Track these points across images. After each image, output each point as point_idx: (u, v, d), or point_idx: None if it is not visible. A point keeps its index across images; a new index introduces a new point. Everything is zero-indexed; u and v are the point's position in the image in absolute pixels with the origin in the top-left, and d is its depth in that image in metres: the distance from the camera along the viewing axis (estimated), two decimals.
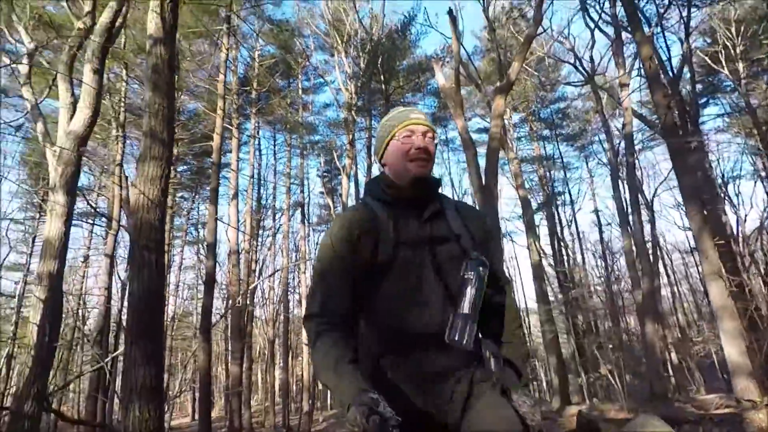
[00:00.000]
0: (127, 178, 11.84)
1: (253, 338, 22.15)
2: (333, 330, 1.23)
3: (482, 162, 6.97)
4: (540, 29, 7.55)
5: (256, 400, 28.48)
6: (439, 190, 1.41)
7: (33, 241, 20.52)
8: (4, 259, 17.59)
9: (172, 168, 7.39)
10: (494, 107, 6.64)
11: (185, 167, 20.93)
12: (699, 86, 16.26)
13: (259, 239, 20.33)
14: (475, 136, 21.21)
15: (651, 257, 14.26)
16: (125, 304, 13.94)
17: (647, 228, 15.86)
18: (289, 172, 20.64)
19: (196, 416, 18.73)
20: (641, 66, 10.05)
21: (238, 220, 14.93)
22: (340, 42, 15.06)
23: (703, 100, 16.47)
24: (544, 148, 20.51)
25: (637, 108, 14.35)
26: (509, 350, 1.33)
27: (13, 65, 7.20)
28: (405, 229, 1.29)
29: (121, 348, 10.02)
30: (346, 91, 14.26)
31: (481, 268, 1.22)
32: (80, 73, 7.94)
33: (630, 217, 10.25)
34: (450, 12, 7.30)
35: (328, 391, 1.58)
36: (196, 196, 23.60)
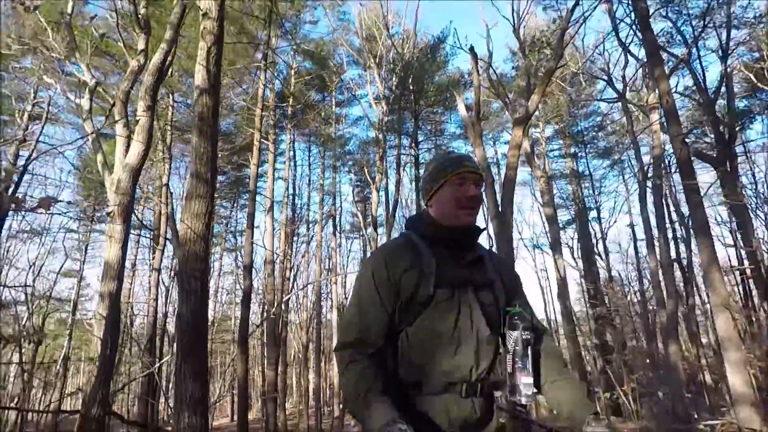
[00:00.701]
0: (171, 194, 12.65)
1: (287, 342, 22.98)
2: (364, 359, 1.25)
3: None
4: (563, 61, 7.77)
5: (291, 403, 29.30)
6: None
7: (86, 249, 22.07)
8: (62, 267, 19.11)
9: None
10: (512, 138, 6.93)
11: (224, 177, 22.00)
12: (745, 102, 15.83)
13: (294, 246, 21.05)
14: (506, 149, 21.38)
15: (685, 276, 14.06)
16: (168, 309, 14.95)
17: (683, 246, 15.68)
18: (322, 183, 21.38)
19: (235, 417, 19.67)
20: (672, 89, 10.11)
21: (273, 231, 15.68)
22: (372, 60, 15.62)
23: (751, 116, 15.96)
24: (577, 163, 20.39)
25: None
26: (567, 387, 1.34)
27: (76, 101, 8.05)
28: (446, 270, 1.30)
29: (167, 356, 10.81)
30: (377, 105, 14.79)
31: (525, 325, 1.26)
32: (134, 103, 8.75)
33: (656, 240, 10.24)
34: (471, 49, 7.65)
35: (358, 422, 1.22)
36: (235, 205, 24.74)
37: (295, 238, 20.96)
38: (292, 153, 20.33)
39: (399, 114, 14.19)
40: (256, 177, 11.81)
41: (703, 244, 6.18)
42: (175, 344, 11.56)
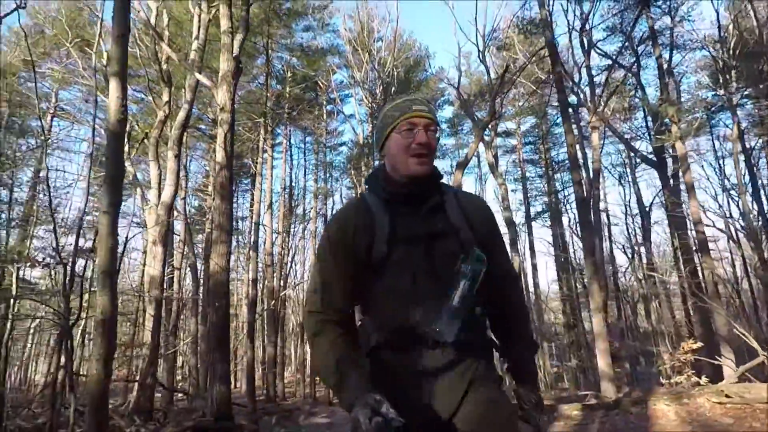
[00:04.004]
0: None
1: (287, 316, 25.48)
2: (333, 327, 1.25)
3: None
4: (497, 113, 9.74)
5: (290, 372, 32.12)
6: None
7: (96, 233, 24.29)
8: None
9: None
10: (454, 179, 9.01)
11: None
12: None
13: (292, 228, 23.07)
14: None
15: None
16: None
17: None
18: (316, 177, 23.52)
19: (237, 384, 22.43)
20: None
21: (272, 225, 17.85)
22: (357, 72, 17.49)
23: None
24: (549, 159, 22.55)
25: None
26: (520, 347, 1.36)
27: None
28: (402, 225, 1.26)
29: (188, 338, 13.20)
30: (360, 124, 16.80)
31: (478, 264, 1.21)
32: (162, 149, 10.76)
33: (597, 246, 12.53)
34: None
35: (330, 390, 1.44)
36: (236, 190, 26.90)
37: (293, 221, 23.05)
38: (289, 152, 22.37)
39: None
40: (259, 213, 13.87)
41: (588, 263, 8.43)
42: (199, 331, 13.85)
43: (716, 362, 8.14)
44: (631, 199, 21.87)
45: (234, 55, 7.55)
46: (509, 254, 1.50)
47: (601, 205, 17.79)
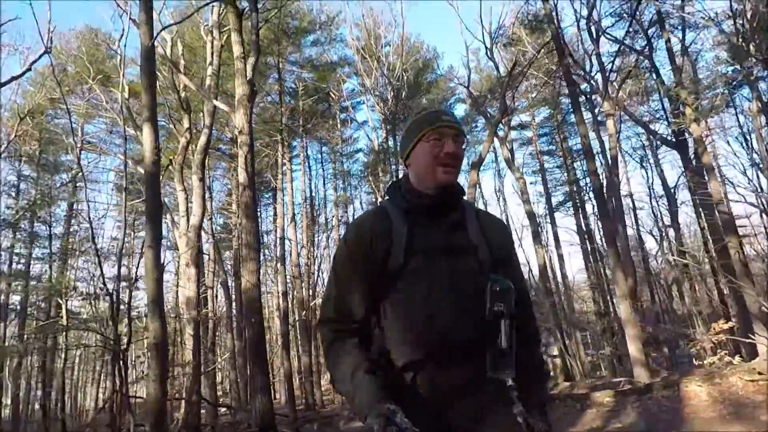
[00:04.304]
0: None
1: None
2: (348, 336, 1.25)
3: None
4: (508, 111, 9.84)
5: (326, 379, 32.53)
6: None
7: (139, 259, 25.28)
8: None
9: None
10: (470, 179, 9.16)
11: None
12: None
13: (316, 237, 23.45)
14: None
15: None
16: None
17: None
18: (335, 186, 23.87)
19: (277, 395, 22.93)
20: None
21: (297, 238, 18.25)
22: (367, 80, 17.75)
23: None
24: (568, 148, 22.34)
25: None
26: (530, 375, 1.31)
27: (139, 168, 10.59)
28: (421, 236, 1.24)
29: (226, 354, 13.68)
30: (374, 131, 17.07)
31: (509, 296, 1.20)
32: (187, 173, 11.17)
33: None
34: None
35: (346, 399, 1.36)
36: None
37: (316, 231, 23.45)
38: (306, 164, 22.78)
39: (394, 136, 16.41)
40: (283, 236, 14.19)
41: (611, 251, 8.42)
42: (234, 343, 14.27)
43: (750, 341, 8.01)
44: (655, 182, 21.55)
45: (248, 78, 7.86)
46: (524, 274, 1.48)
47: (624, 190, 17.58)
